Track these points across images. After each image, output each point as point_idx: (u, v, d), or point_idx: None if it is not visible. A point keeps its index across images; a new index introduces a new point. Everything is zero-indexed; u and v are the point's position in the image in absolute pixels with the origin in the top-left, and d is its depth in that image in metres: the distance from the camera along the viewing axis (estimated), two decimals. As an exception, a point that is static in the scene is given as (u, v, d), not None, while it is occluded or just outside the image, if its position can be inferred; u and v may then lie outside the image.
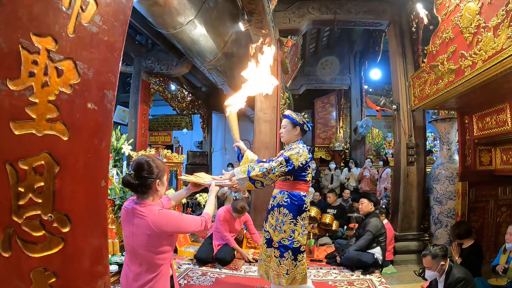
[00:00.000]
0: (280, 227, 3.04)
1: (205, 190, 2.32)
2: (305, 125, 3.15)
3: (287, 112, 3.19)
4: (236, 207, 4.75)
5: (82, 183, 1.14)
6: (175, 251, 5.02)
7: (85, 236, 1.16)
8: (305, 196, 3.09)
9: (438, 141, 9.60)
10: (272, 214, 3.15)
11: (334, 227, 6.10)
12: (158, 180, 1.88)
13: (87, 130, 1.15)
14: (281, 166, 2.81)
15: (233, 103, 3.01)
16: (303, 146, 3.07)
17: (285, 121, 3.16)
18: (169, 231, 1.85)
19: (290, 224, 3.02)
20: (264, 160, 3.17)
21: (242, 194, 6.09)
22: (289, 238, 3.01)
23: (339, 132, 11.51)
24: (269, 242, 3.14)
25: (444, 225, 4.63)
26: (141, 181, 1.83)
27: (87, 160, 1.15)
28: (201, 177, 2.40)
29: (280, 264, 3.02)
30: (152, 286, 1.82)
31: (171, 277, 1.99)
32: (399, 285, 4.03)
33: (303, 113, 3.23)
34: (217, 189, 2.30)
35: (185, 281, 3.95)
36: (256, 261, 4.72)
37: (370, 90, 11.62)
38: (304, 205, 3.07)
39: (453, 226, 4.01)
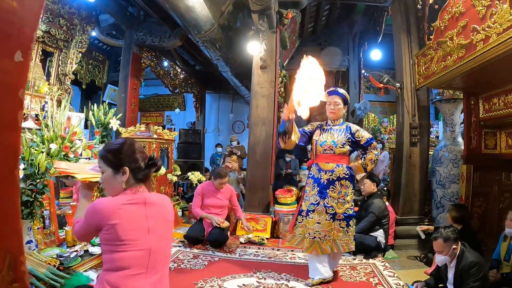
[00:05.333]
0: (343, 198, 3.23)
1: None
2: None
3: (340, 90, 3.30)
4: (217, 171, 4.47)
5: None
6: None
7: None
8: None
9: (437, 125, 9.53)
10: (332, 188, 3.22)
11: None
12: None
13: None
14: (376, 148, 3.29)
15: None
16: None
17: (338, 98, 3.29)
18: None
19: (351, 194, 3.29)
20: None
21: (238, 174, 5.87)
22: (351, 207, 3.27)
23: (336, 115, 11.27)
24: (333, 216, 3.21)
25: (447, 210, 4.46)
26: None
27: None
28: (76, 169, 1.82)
29: (348, 232, 3.24)
30: None
31: None
32: (400, 270, 3.84)
33: None
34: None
35: (175, 265, 3.68)
36: (252, 243, 4.55)
37: (366, 74, 11.39)
38: None
39: (452, 209, 3.92)
